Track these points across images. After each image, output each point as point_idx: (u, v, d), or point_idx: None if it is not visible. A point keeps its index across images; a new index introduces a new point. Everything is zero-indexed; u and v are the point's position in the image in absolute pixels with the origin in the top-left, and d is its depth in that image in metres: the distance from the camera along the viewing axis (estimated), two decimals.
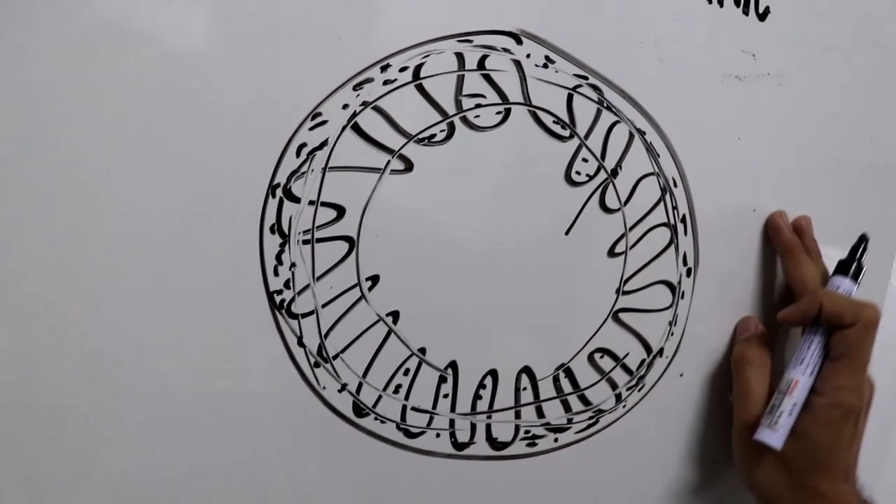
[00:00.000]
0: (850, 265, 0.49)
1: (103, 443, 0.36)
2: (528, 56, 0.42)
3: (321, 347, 0.40)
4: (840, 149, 0.52)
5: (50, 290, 0.35)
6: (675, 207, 0.47)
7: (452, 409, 0.43)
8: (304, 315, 0.39)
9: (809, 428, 0.44)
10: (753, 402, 0.47)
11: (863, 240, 0.49)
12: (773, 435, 0.44)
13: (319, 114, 0.38)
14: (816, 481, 0.44)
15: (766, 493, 0.46)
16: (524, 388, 0.45)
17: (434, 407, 0.43)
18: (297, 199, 0.38)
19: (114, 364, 0.36)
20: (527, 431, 0.45)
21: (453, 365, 0.43)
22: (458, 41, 0.41)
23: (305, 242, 0.39)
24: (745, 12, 0.47)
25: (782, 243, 0.50)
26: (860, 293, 0.50)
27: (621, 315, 0.47)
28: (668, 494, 0.51)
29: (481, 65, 0.41)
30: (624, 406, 0.48)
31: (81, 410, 0.36)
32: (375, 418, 0.42)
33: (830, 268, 0.50)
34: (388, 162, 0.40)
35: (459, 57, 0.41)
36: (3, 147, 0.33)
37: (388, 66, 0.39)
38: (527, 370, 0.45)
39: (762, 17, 0.48)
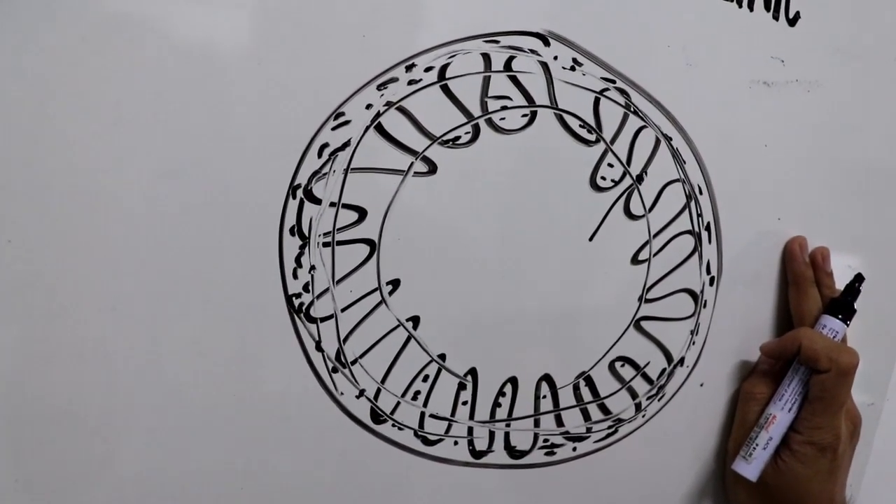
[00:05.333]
0: (842, 305, 0.48)
1: (116, 445, 0.36)
2: (556, 58, 0.41)
3: (339, 352, 0.39)
4: (867, 157, 0.51)
5: (65, 291, 0.34)
6: (699, 215, 0.46)
7: (471, 417, 0.43)
8: (323, 319, 0.39)
9: (789, 462, 0.47)
10: (744, 435, 0.48)
11: (858, 279, 0.49)
12: (747, 466, 0.47)
13: (342, 113, 0.37)
14: None
15: None
16: (544, 396, 0.44)
17: (453, 414, 0.42)
18: (317, 201, 0.38)
19: (128, 366, 0.35)
20: (545, 440, 0.45)
21: (473, 372, 0.42)
22: (485, 41, 0.40)
23: (325, 245, 0.38)
24: (776, 17, 0.47)
25: (792, 273, 0.50)
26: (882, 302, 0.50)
27: (643, 323, 0.46)
28: None
29: (508, 66, 0.40)
30: (643, 415, 0.47)
31: (94, 412, 0.35)
32: (393, 425, 0.41)
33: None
34: (412, 164, 0.39)
35: (486, 58, 0.40)
36: (19, 145, 0.32)
37: (413, 65, 0.38)
38: (547, 378, 0.44)
39: (792, 22, 0.47)
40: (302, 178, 0.37)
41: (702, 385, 0.49)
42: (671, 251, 0.46)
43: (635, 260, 0.45)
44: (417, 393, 0.41)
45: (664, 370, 0.47)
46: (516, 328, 0.43)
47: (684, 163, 0.45)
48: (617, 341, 0.45)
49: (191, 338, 0.36)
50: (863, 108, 0.50)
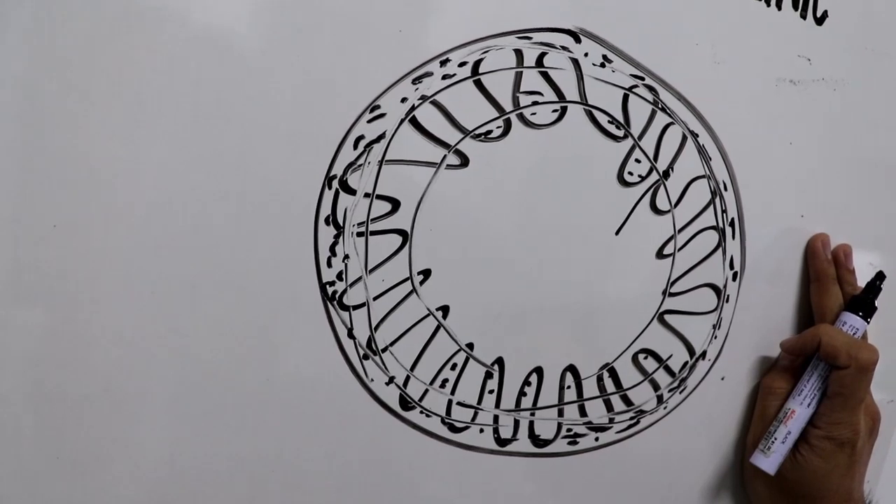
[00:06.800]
0: (863, 303, 0.48)
1: (150, 427, 0.37)
2: (586, 55, 0.42)
3: (371, 340, 0.40)
4: (891, 156, 0.52)
5: (105, 275, 0.35)
6: (724, 211, 0.47)
7: (497, 405, 0.43)
8: (356, 307, 0.39)
9: (807, 457, 0.47)
10: (763, 429, 0.49)
11: (879, 277, 0.49)
12: (765, 460, 0.47)
13: (378, 106, 0.38)
14: None
15: None
16: (568, 387, 0.45)
17: (479, 402, 0.43)
18: (352, 191, 0.38)
19: (164, 349, 0.36)
20: (569, 430, 0.45)
21: (500, 361, 0.43)
22: (518, 38, 0.40)
23: (359, 235, 0.39)
24: (803, 16, 0.47)
25: (814, 269, 0.50)
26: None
27: (666, 317, 0.47)
28: (705, 497, 0.51)
29: (539, 62, 0.41)
30: (665, 407, 0.48)
31: (129, 393, 0.36)
32: (421, 412, 0.42)
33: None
34: (445, 157, 0.40)
35: (518, 54, 0.41)
36: (66, 133, 0.33)
37: (447, 60, 0.39)
38: (571, 368, 0.45)
39: (819, 21, 0.48)
40: (338, 169, 0.38)
41: (723, 379, 0.49)
42: (695, 246, 0.47)
43: (660, 254, 0.46)
44: (445, 381, 0.42)
45: (686, 363, 0.48)
46: (543, 319, 0.44)
47: (710, 159, 0.46)
48: (640, 334, 0.46)
49: (226, 323, 0.37)
50: (888, 107, 0.51)
